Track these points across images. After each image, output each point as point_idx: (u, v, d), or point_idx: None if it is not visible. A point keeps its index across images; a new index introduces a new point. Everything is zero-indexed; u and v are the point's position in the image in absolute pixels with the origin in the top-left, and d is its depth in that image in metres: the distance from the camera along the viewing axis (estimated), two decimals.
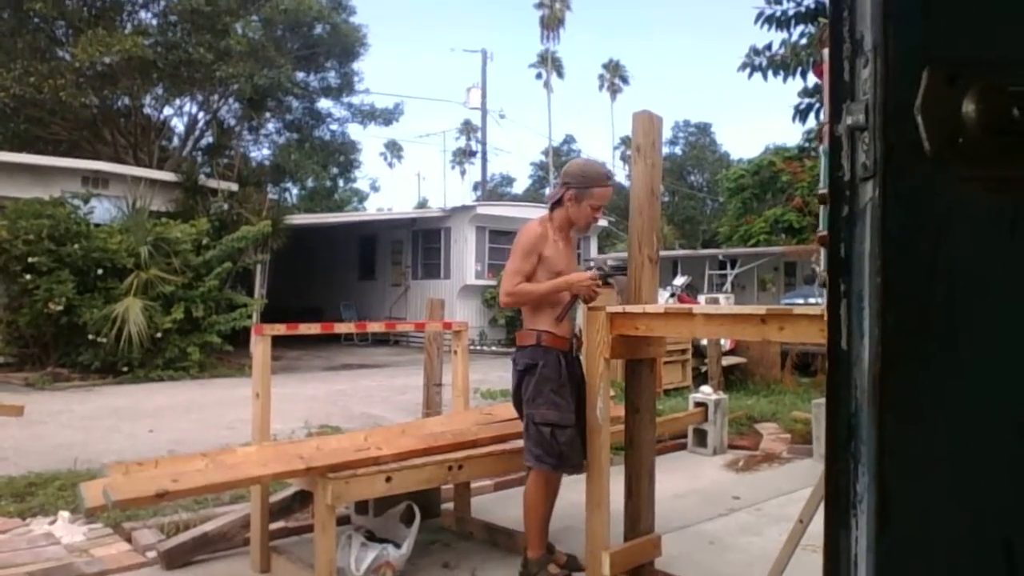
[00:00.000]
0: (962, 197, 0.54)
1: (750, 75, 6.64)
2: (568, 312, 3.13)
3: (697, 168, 44.08)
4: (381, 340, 16.37)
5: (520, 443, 3.18)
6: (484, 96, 28.09)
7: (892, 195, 0.54)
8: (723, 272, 18.65)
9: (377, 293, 17.67)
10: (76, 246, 9.92)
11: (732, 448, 5.90)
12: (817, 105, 6.15)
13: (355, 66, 17.67)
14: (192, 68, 14.43)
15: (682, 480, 4.90)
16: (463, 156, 50.08)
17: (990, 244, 0.54)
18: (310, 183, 20.84)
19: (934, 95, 0.53)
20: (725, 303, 10.11)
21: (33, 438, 5.95)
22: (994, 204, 0.54)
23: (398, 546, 3.19)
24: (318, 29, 16.12)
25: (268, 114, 17.41)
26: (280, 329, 3.66)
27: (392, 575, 3.13)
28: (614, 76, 46.92)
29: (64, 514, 3.86)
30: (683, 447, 5.88)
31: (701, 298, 11.60)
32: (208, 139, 17.06)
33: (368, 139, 74.57)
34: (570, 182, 3.13)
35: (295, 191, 21.31)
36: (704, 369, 7.98)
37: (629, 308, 3.00)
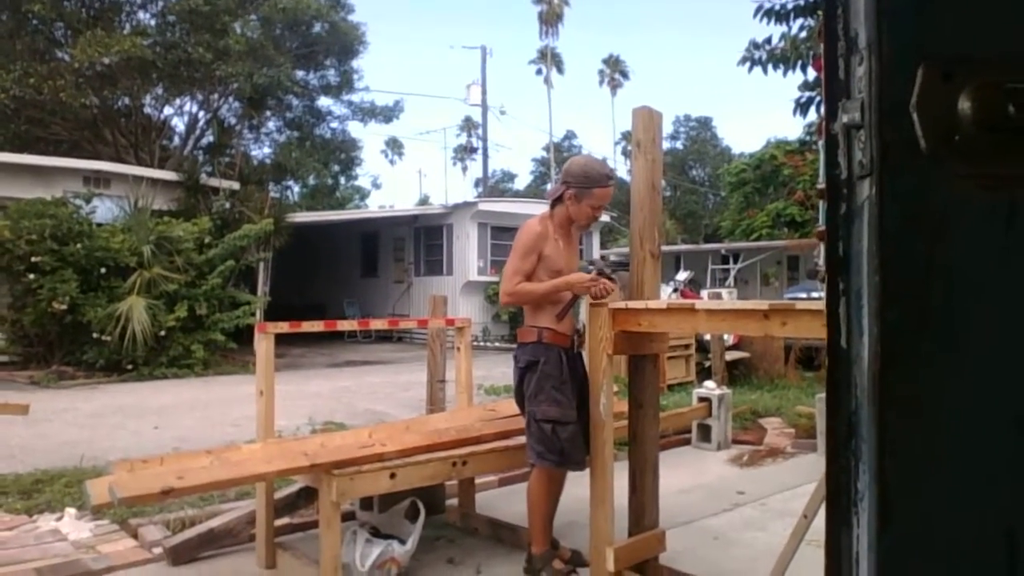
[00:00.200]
0: (958, 194, 0.54)
1: (750, 69, 6.63)
2: (569, 310, 3.13)
3: (699, 162, 44.04)
4: (384, 337, 16.38)
5: (523, 439, 3.19)
6: (484, 92, 28.03)
7: (889, 193, 0.54)
8: (726, 267, 18.63)
9: (380, 290, 17.68)
10: (79, 245, 9.95)
11: (736, 443, 5.90)
12: (817, 98, 6.14)
13: (354, 64, 17.70)
14: (191, 68, 14.42)
15: (686, 475, 4.89)
16: (464, 153, 50.03)
17: (986, 241, 0.54)
18: (311, 181, 20.85)
19: (929, 92, 0.53)
20: (728, 298, 10.10)
21: (39, 436, 5.98)
22: (990, 201, 0.54)
23: (403, 542, 3.20)
24: (317, 27, 16.11)
25: (268, 113, 17.41)
26: (283, 327, 3.66)
27: (397, 571, 3.14)
28: (614, 71, 46.76)
29: (70, 511, 3.88)
30: (687, 442, 5.87)
31: (704, 293, 11.58)
32: (209, 138, 17.06)
33: (369, 137, 73.30)
34: (571, 181, 3.11)
35: (296, 189, 21.35)
36: (708, 364, 7.96)
37: (632, 304, 3.00)
